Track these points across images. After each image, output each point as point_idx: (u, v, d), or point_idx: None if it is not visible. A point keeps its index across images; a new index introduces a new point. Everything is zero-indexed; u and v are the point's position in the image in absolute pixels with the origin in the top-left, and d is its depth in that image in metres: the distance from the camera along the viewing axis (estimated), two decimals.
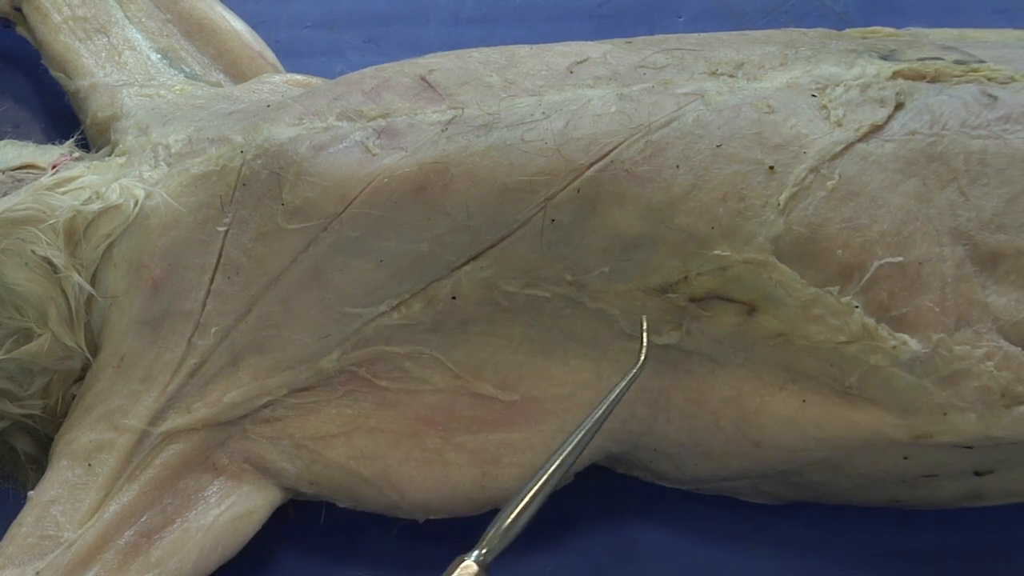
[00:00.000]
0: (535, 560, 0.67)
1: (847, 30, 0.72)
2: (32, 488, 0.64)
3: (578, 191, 0.60)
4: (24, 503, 0.64)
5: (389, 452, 0.63)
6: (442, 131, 0.61)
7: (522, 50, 0.66)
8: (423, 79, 0.64)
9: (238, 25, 0.77)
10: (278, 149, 0.62)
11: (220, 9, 0.78)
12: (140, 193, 0.63)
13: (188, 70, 0.74)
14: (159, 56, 0.75)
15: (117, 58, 0.74)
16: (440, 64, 0.65)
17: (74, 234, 0.63)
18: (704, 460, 0.63)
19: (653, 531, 0.68)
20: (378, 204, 0.61)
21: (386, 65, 0.66)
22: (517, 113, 0.62)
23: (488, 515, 0.63)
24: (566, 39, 0.72)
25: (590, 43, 0.67)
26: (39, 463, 0.66)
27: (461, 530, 0.64)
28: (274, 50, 0.77)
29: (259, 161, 0.63)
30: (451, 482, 0.62)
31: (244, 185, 0.62)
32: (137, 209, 0.63)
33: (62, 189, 0.64)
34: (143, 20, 0.76)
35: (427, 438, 0.63)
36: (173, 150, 0.65)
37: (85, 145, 0.73)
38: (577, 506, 0.67)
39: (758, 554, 0.68)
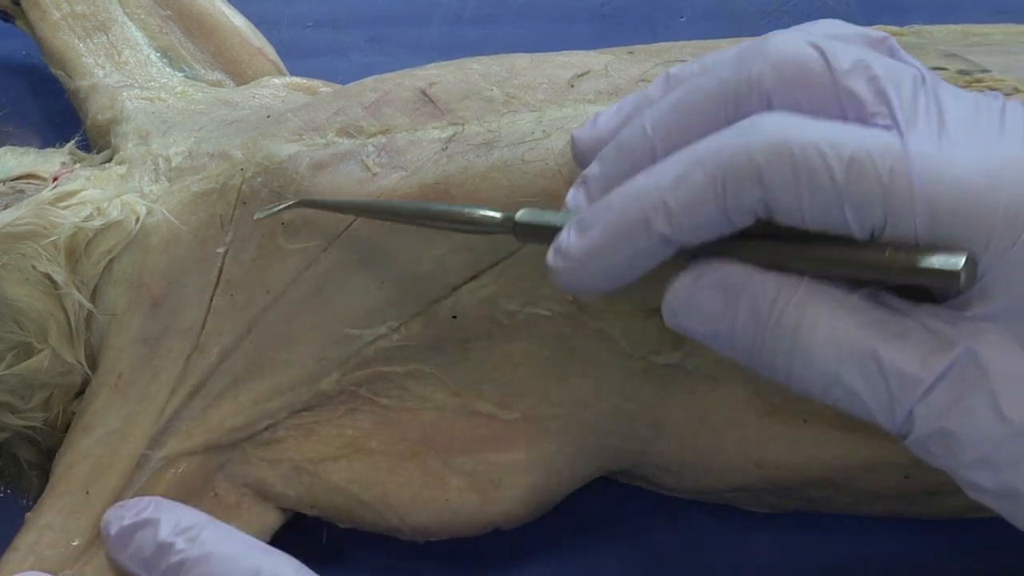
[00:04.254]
0: (535, 566, 0.68)
1: None
2: (34, 495, 0.65)
3: None
4: (26, 504, 0.65)
5: (389, 476, 0.62)
6: (442, 149, 0.61)
7: (523, 60, 0.66)
8: (423, 93, 0.64)
9: (238, 21, 0.77)
10: (278, 167, 0.62)
11: (220, 4, 0.77)
12: (142, 210, 0.63)
13: (188, 70, 0.74)
14: (159, 55, 0.74)
15: (117, 57, 0.73)
16: (440, 77, 0.65)
17: (75, 251, 0.63)
18: (705, 476, 0.63)
19: (654, 536, 0.68)
20: (378, 225, 0.60)
21: (387, 76, 0.66)
22: (518, 130, 0.61)
23: (490, 536, 0.64)
24: (568, 40, 0.72)
25: (592, 53, 0.66)
26: (43, 469, 0.66)
27: (463, 548, 0.64)
28: (276, 49, 0.77)
29: (259, 179, 0.62)
30: (451, 507, 0.62)
31: (244, 203, 0.62)
32: (138, 226, 0.63)
33: (63, 204, 0.64)
34: (143, 17, 0.75)
35: (427, 460, 0.63)
36: (174, 163, 0.65)
37: (86, 146, 0.72)
38: (577, 512, 0.67)
39: (760, 560, 0.68)
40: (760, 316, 0.50)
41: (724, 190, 0.49)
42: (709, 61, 0.55)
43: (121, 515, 0.61)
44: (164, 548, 0.58)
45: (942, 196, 0.47)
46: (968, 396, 0.48)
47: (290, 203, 0.61)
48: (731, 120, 0.51)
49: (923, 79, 0.51)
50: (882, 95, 0.50)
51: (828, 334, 0.49)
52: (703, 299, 0.51)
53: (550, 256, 0.54)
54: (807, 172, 0.48)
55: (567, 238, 0.53)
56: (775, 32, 0.53)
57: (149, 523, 0.60)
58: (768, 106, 0.51)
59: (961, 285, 0.47)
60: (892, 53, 0.53)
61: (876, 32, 0.54)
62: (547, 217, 0.55)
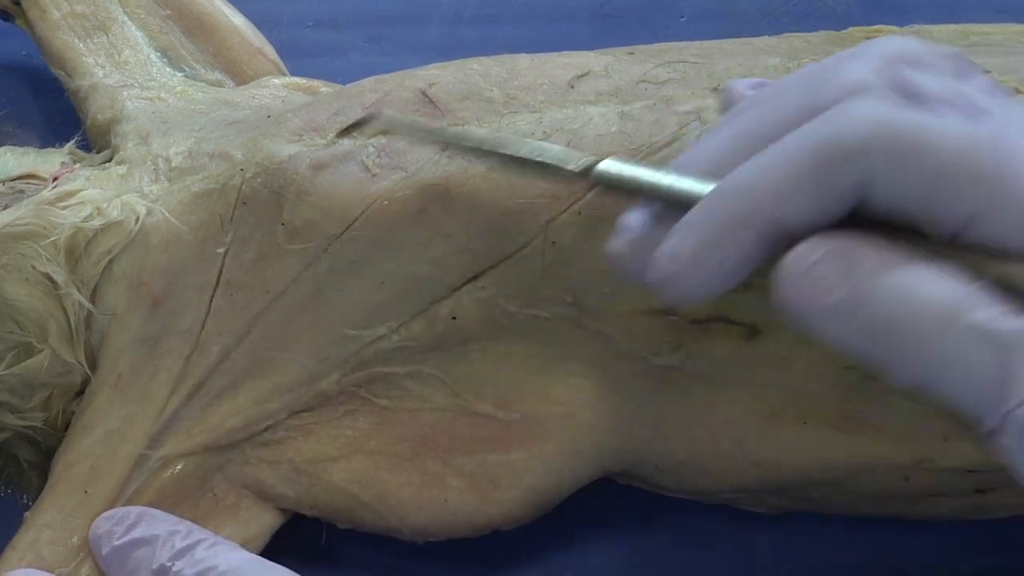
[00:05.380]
0: (534, 567, 0.68)
1: (850, 29, 0.71)
2: (33, 494, 0.65)
3: (579, 214, 0.59)
4: (26, 504, 0.65)
5: (389, 477, 0.63)
6: (443, 150, 0.61)
7: (523, 61, 0.66)
8: (424, 93, 0.64)
9: (238, 20, 0.77)
10: (278, 167, 0.62)
11: (220, 4, 0.77)
12: (142, 210, 0.63)
13: (188, 69, 0.74)
14: (159, 55, 0.74)
15: (117, 57, 0.73)
16: (440, 77, 0.65)
17: (75, 251, 0.63)
18: (704, 477, 0.63)
19: (654, 536, 0.68)
20: (378, 226, 0.60)
21: (386, 77, 0.66)
22: (518, 131, 0.61)
23: (489, 536, 0.64)
24: (568, 40, 0.72)
25: (592, 53, 0.66)
26: (42, 468, 0.66)
27: (462, 549, 0.65)
28: (276, 49, 0.77)
29: (259, 180, 0.62)
30: (451, 508, 0.62)
31: (244, 204, 0.62)
32: (138, 226, 0.63)
33: (63, 204, 0.64)
34: (142, 16, 0.75)
35: (427, 460, 0.63)
36: (173, 164, 0.65)
37: (86, 146, 0.72)
38: (577, 512, 0.67)
39: (760, 561, 0.68)
40: (874, 282, 0.45)
41: (823, 170, 0.45)
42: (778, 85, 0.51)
43: (112, 531, 0.60)
44: (161, 571, 0.58)
45: None
46: None
47: (363, 118, 0.60)
48: None
49: (996, 85, 0.50)
50: (969, 99, 0.47)
51: (941, 308, 0.44)
52: (819, 268, 0.46)
53: (650, 271, 0.49)
54: (911, 147, 0.44)
55: (670, 244, 0.48)
56: (840, 58, 0.49)
57: (143, 542, 0.59)
58: None
59: None
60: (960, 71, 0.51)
61: (947, 49, 0.51)
62: (636, 172, 0.50)
